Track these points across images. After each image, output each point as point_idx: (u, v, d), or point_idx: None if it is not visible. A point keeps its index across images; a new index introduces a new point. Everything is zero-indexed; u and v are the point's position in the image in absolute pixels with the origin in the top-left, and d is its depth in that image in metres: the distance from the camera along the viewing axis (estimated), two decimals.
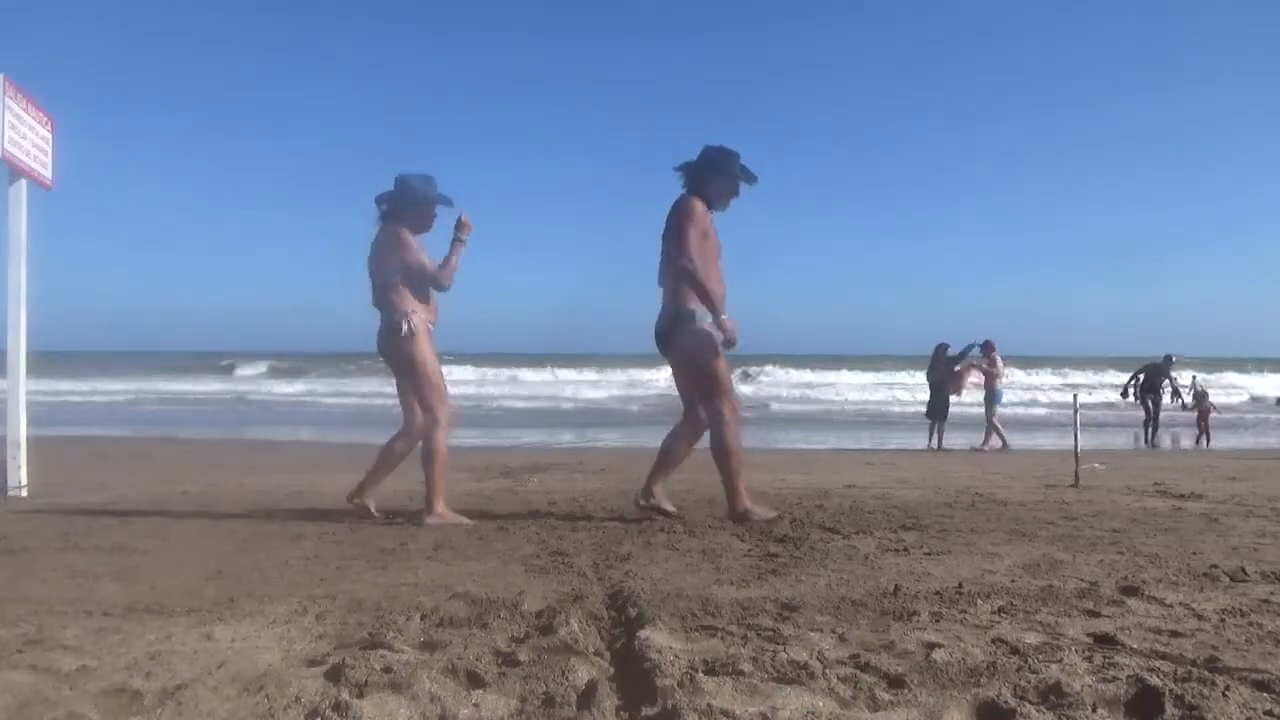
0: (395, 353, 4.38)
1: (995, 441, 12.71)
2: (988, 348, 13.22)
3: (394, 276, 4.36)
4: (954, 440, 13.31)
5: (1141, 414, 15.07)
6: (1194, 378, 17.19)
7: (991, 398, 13.02)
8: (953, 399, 13.49)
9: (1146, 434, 14.82)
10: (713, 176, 4.43)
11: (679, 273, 4.28)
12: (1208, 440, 14.45)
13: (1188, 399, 15.29)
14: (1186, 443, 14.62)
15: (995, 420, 12.87)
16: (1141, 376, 15.11)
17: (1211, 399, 15.64)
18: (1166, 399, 15.01)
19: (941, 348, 13.59)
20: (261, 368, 41.42)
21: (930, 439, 13.20)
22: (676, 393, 4.69)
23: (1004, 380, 13.49)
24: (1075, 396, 8.90)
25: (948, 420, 13.37)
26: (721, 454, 4.35)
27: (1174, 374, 15.18)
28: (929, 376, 13.76)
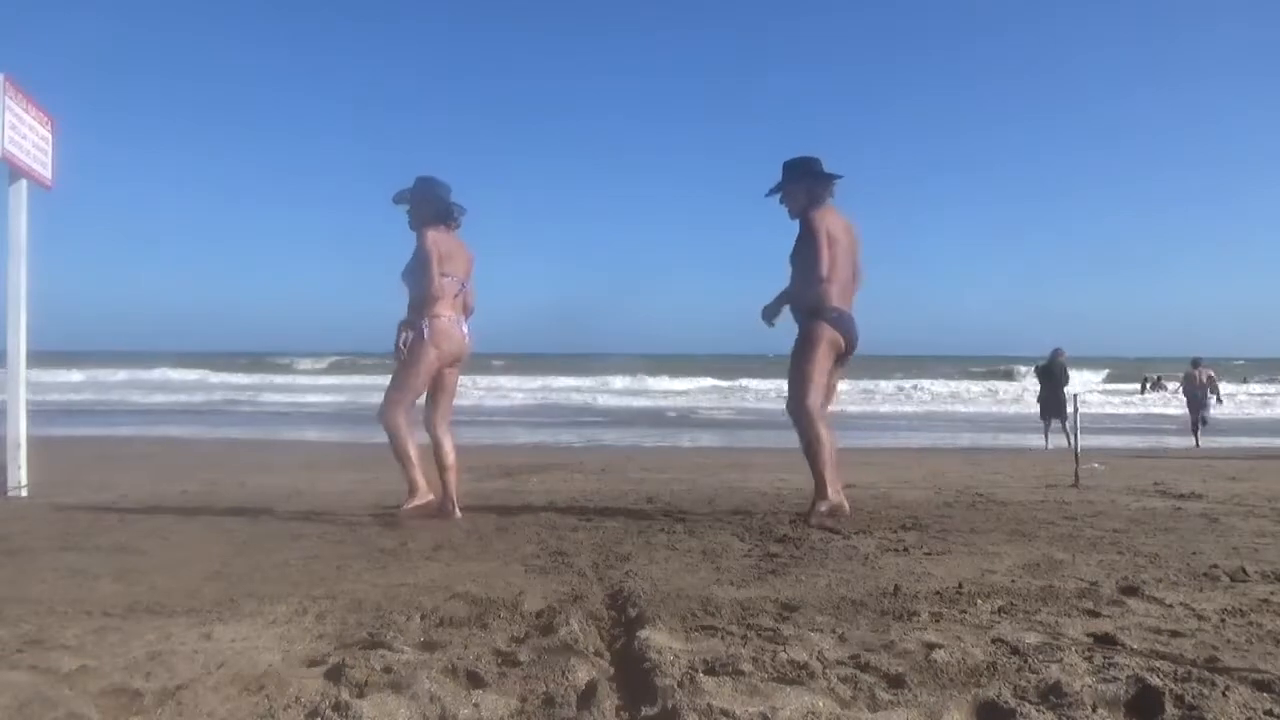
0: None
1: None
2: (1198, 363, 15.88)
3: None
4: (1059, 440, 13.72)
5: None
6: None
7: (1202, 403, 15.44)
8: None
9: None
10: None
11: None
12: None
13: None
14: None
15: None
16: None
17: None
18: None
19: (1058, 352, 14.95)
20: (260, 366, 41.50)
21: (1048, 438, 14.16)
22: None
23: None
24: (1075, 397, 8.91)
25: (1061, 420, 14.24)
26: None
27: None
28: (1044, 378, 14.86)
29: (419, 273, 4.43)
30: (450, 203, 4.60)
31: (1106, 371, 38.83)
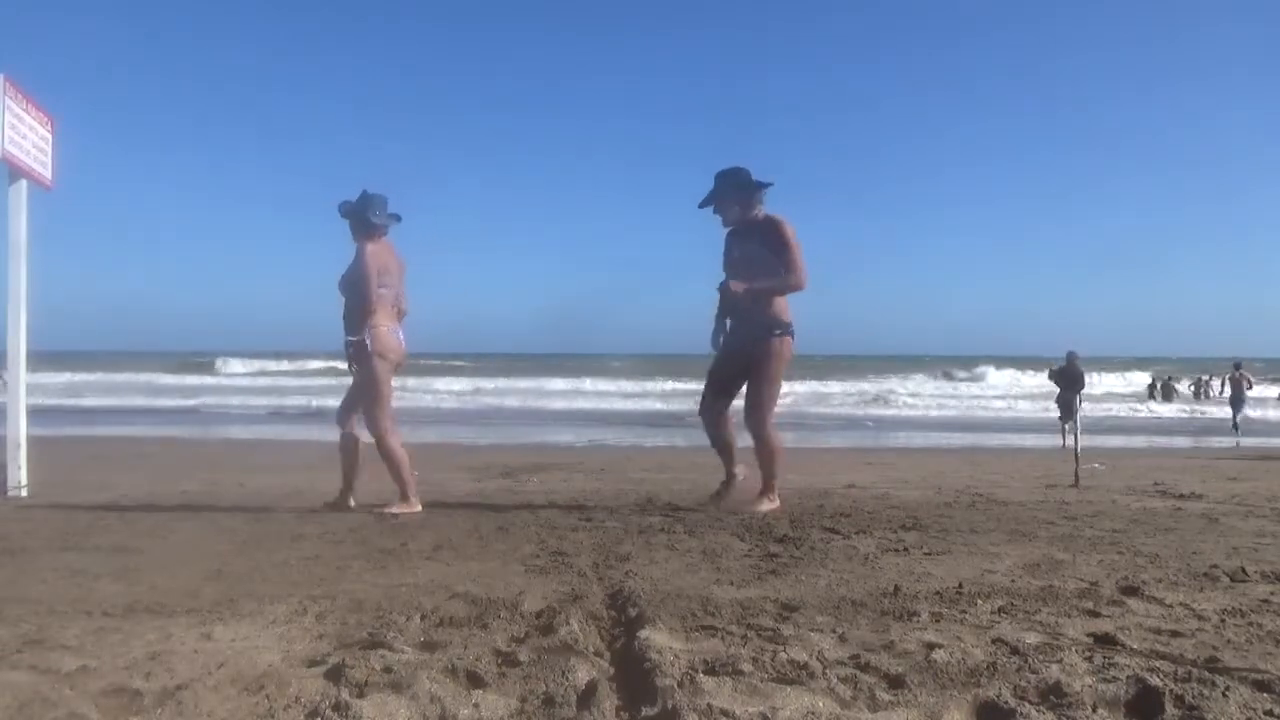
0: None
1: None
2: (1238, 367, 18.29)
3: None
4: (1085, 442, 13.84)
5: None
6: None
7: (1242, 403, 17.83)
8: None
9: None
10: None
11: None
12: None
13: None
14: None
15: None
16: None
17: None
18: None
19: (1073, 355, 15.38)
20: (254, 366, 41.50)
21: (1065, 438, 14.34)
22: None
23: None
24: (1078, 397, 8.91)
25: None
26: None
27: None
28: (1060, 380, 15.22)
29: (358, 285, 4.66)
30: (377, 218, 4.75)
31: (1152, 372, 38.78)
